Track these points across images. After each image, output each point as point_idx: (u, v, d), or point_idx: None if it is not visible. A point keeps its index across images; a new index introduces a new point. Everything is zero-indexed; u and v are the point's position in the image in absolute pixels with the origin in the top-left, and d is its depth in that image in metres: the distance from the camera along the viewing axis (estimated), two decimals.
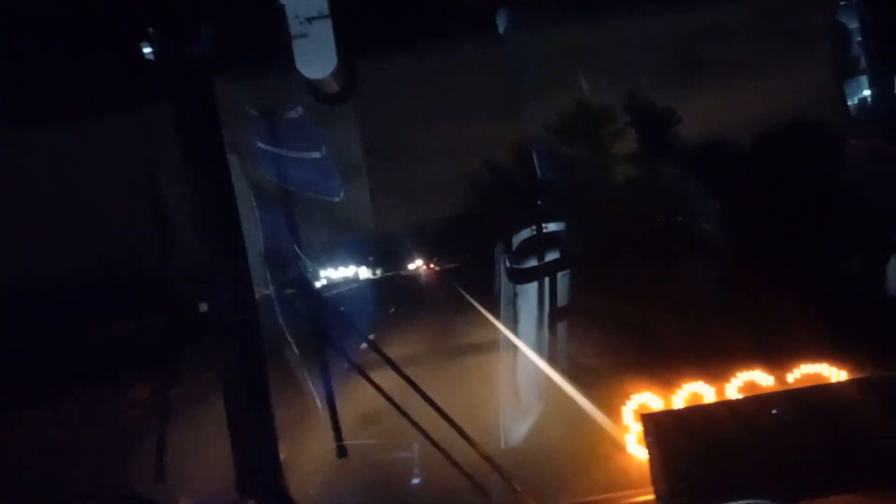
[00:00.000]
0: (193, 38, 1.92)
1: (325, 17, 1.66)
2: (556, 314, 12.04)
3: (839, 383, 2.02)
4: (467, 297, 22.65)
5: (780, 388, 2.07)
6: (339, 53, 1.69)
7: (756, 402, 1.90)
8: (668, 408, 2.04)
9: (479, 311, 17.91)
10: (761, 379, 2.11)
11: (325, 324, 2.24)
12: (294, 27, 1.67)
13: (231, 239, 2.00)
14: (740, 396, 2.07)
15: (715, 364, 2.26)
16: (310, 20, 1.67)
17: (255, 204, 2.26)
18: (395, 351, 2.23)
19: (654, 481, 1.81)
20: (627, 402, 2.09)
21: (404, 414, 2.11)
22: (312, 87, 1.79)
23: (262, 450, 1.98)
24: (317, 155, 2.34)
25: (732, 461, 1.78)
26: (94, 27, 1.87)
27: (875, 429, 1.82)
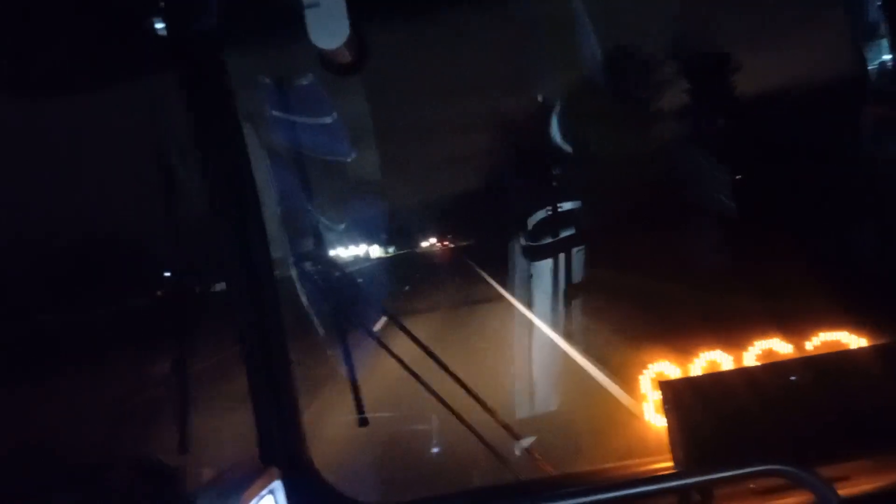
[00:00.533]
0: (204, 10, 1.91)
1: None
2: (572, 289, 12.03)
3: (857, 350, 2.01)
4: (483, 273, 22.67)
5: (799, 355, 2.07)
6: (352, 23, 1.68)
7: (774, 370, 1.90)
8: (685, 375, 2.05)
9: (494, 288, 17.93)
10: (779, 347, 2.11)
11: (345, 297, 2.26)
12: None
13: (248, 211, 2.01)
14: (758, 364, 2.07)
15: (733, 333, 2.26)
16: None
17: (271, 175, 2.27)
18: (412, 330, 2.24)
19: (673, 448, 1.82)
20: (645, 371, 2.09)
21: (425, 385, 2.13)
22: (324, 57, 1.78)
23: (285, 420, 2.01)
24: (328, 119, 2.34)
25: (751, 428, 1.79)
26: (105, 1, 1.87)
27: (894, 396, 1.81)
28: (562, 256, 13.17)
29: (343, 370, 2.26)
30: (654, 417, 2.05)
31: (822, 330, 2.11)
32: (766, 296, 7.11)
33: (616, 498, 1.46)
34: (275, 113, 2.23)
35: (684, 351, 2.12)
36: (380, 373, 2.90)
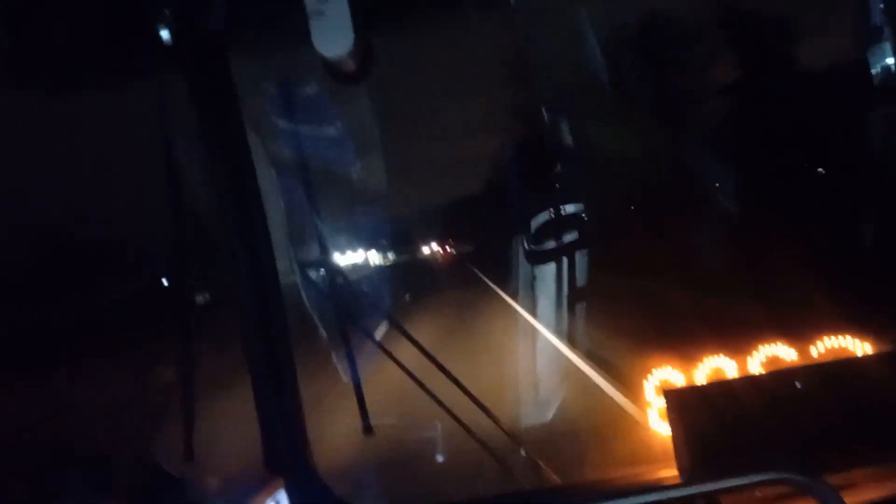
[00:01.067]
0: (210, 13, 1.92)
1: None
2: (575, 294, 12.02)
3: (864, 357, 2.00)
4: (485, 279, 22.63)
5: (804, 362, 2.06)
6: (356, 32, 1.68)
7: (779, 377, 1.89)
8: (689, 382, 2.04)
9: (497, 295, 17.91)
10: (784, 353, 2.10)
11: (349, 303, 2.26)
12: (311, 5, 1.66)
13: (252, 216, 2.01)
14: (763, 371, 2.06)
15: (737, 337, 2.26)
16: None
17: (276, 181, 2.28)
18: (414, 336, 2.25)
19: (678, 457, 1.81)
20: (649, 378, 2.09)
21: (429, 392, 2.13)
22: (329, 65, 1.79)
23: (289, 428, 2.01)
24: (333, 129, 2.34)
25: (756, 436, 1.78)
26: (110, 4, 1.88)
27: None
28: (565, 260, 13.17)
29: (347, 377, 2.26)
30: (658, 425, 2.04)
31: (827, 335, 2.10)
32: (771, 299, 7.09)
33: None
34: (280, 120, 2.24)
35: (688, 356, 2.12)
36: (383, 379, 2.90)
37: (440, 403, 2.14)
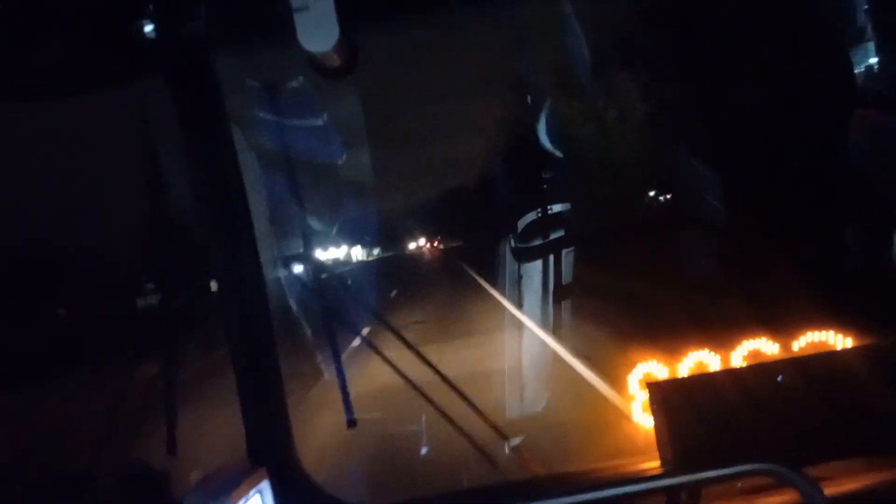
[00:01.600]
0: (193, 14, 1.91)
1: None
2: (561, 290, 12.06)
3: (844, 350, 2.03)
4: (473, 274, 22.66)
5: (786, 356, 2.08)
6: (341, 27, 1.68)
7: (761, 370, 1.91)
8: (673, 375, 2.06)
9: (484, 290, 17.93)
10: (766, 347, 2.13)
11: (333, 298, 2.26)
12: (296, 1, 1.66)
13: (237, 213, 2.01)
14: (745, 365, 2.08)
15: (720, 333, 2.28)
16: None
17: (260, 178, 2.27)
18: (400, 333, 2.25)
19: (660, 448, 1.83)
20: (633, 371, 2.11)
21: (414, 386, 2.13)
22: (314, 60, 1.78)
23: (273, 421, 2.01)
24: (318, 122, 2.34)
25: (738, 428, 1.80)
26: (92, 4, 1.86)
27: (880, 395, 1.83)
28: (551, 258, 13.21)
29: (331, 371, 2.26)
30: (641, 417, 2.06)
31: (808, 330, 2.13)
32: (753, 296, 7.15)
33: (604, 498, 1.47)
34: (264, 116, 2.23)
35: (672, 351, 2.14)
36: (368, 373, 2.91)
37: (425, 397, 2.14)
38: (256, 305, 2.03)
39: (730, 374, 1.96)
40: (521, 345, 10.29)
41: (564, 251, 13.45)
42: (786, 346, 2.13)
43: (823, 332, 2.11)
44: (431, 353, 2.28)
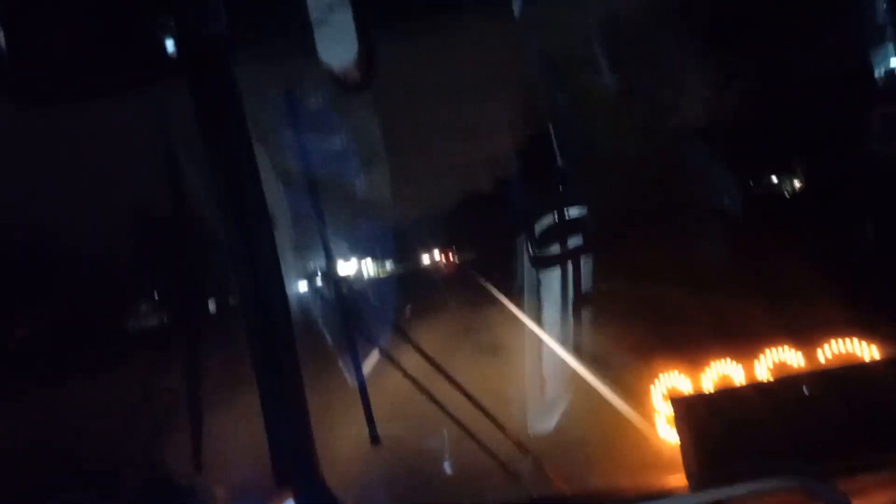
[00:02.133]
0: (214, 19, 1.93)
1: (346, 4, 1.67)
2: (582, 300, 11.98)
3: (871, 362, 2.00)
4: (489, 286, 22.54)
5: (811, 366, 2.05)
6: (360, 40, 1.69)
7: (787, 383, 1.89)
8: (696, 386, 2.04)
9: (502, 301, 17.85)
10: (791, 358, 2.10)
11: (355, 312, 2.26)
12: (315, 14, 1.67)
13: (257, 225, 2.02)
14: (770, 376, 2.06)
15: (744, 343, 2.25)
16: (330, 7, 1.67)
17: (280, 189, 2.28)
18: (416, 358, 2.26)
19: (686, 464, 1.81)
20: (656, 384, 2.09)
21: (435, 401, 2.13)
22: (333, 74, 1.80)
23: (297, 438, 2.01)
24: (337, 137, 2.35)
25: (765, 442, 1.78)
26: (115, 12, 1.89)
27: None
28: (569, 265, 13.14)
29: (353, 386, 2.26)
30: (665, 431, 2.04)
31: (833, 337, 2.09)
32: (779, 304, 7.06)
33: None
34: (284, 130, 2.24)
35: (696, 362, 2.11)
36: (390, 388, 2.90)
37: (447, 412, 2.14)
38: (279, 320, 2.03)
39: (755, 387, 1.94)
40: (540, 357, 10.22)
41: (583, 257, 13.38)
42: (811, 357, 2.10)
43: (849, 342, 2.08)
44: (449, 366, 2.28)
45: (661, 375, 2.09)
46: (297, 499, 1.77)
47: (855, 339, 2.07)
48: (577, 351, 9.90)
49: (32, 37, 1.83)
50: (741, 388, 1.97)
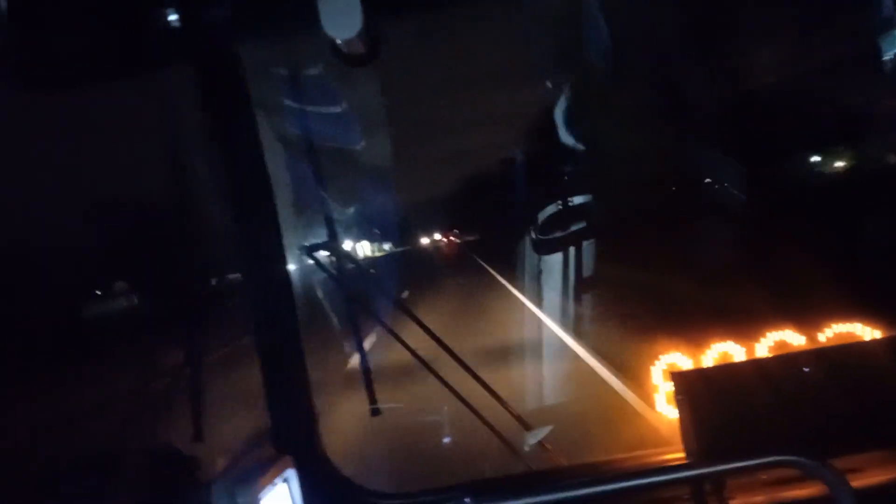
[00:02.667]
0: (217, 1, 1.92)
1: None
2: (583, 283, 12.00)
3: (871, 342, 2.00)
4: (490, 269, 22.59)
5: (812, 347, 2.06)
6: (365, 14, 1.68)
7: (787, 361, 1.89)
8: (696, 364, 2.05)
9: (503, 284, 17.89)
10: (792, 338, 2.10)
11: (357, 286, 2.27)
12: None
13: (262, 201, 2.02)
14: (771, 355, 2.06)
15: (745, 325, 2.26)
16: None
17: (285, 167, 2.28)
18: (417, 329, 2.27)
19: (685, 439, 1.82)
20: (656, 362, 2.09)
21: (437, 375, 2.14)
22: (337, 47, 1.79)
23: (297, 409, 2.03)
24: (341, 113, 2.35)
25: (763, 419, 1.79)
26: None
27: None
28: (572, 250, 13.14)
29: (355, 359, 2.27)
30: (665, 408, 2.05)
31: (834, 321, 2.10)
32: (779, 287, 7.07)
33: (629, 488, 1.47)
34: (286, 102, 2.24)
35: (696, 343, 2.12)
36: (392, 363, 2.92)
37: (448, 386, 2.15)
38: (282, 294, 2.04)
39: (755, 364, 1.94)
40: (541, 337, 10.26)
41: (585, 243, 13.38)
42: (812, 337, 2.10)
43: (850, 324, 2.09)
44: (451, 343, 2.29)
45: (661, 356, 2.10)
46: (298, 468, 1.79)
47: (857, 323, 2.07)
48: (577, 331, 9.94)
49: (34, 24, 1.82)
50: (741, 364, 1.97)
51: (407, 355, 2.24)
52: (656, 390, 2.08)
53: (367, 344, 2.34)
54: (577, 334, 9.81)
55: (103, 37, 1.94)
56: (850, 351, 1.92)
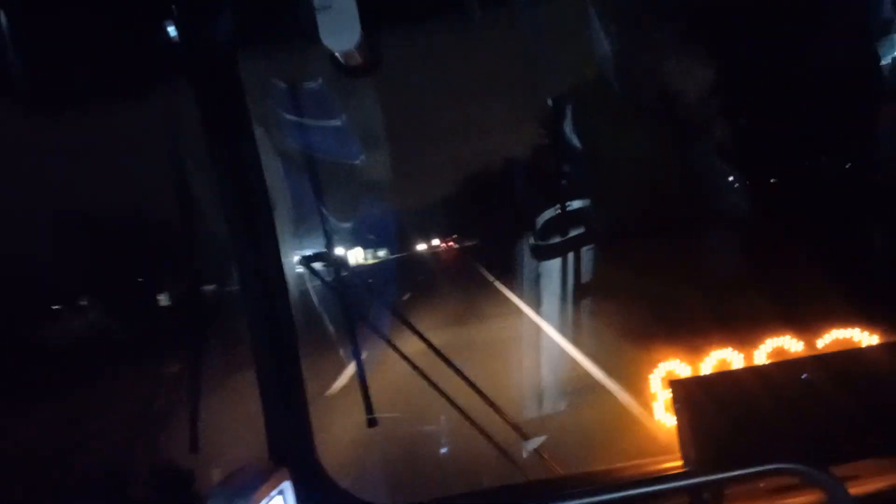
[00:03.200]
0: (217, 15, 1.93)
1: None
2: (581, 289, 12.00)
3: (869, 348, 2.00)
4: (488, 275, 22.58)
5: (810, 353, 2.06)
6: (363, 26, 1.69)
7: (785, 368, 1.89)
8: (695, 372, 2.04)
9: (500, 291, 17.87)
10: (790, 345, 2.10)
11: (354, 296, 2.27)
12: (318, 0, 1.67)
13: (259, 212, 2.02)
14: (769, 362, 2.06)
15: (743, 332, 2.25)
16: None
17: (283, 176, 2.28)
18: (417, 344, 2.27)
19: (683, 447, 1.81)
20: (655, 370, 2.09)
21: (434, 385, 2.13)
22: (336, 59, 1.80)
23: (294, 420, 2.02)
24: (337, 122, 2.36)
25: (762, 426, 1.78)
26: (116, 7, 1.88)
27: None
28: (570, 256, 13.15)
29: (351, 370, 2.27)
30: (663, 416, 2.04)
31: (833, 328, 2.10)
32: (777, 294, 7.07)
33: (626, 497, 1.46)
34: (285, 115, 2.24)
35: (695, 350, 2.12)
36: (389, 372, 2.91)
37: (445, 396, 2.14)
38: (278, 304, 2.04)
39: (754, 371, 1.94)
40: (539, 344, 10.24)
41: (584, 249, 13.39)
42: (810, 344, 2.10)
43: (848, 330, 2.08)
44: (448, 352, 2.28)
45: (660, 364, 2.10)
46: (293, 478, 1.78)
47: (855, 329, 2.07)
48: (576, 338, 9.93)
49: (35, 40, 1.83)
50: (739, 372, 1.97)
51: (405, 364, 2.24)
52: (655, 398, 2.07)
53: (364, 354, 2.34)
54: (576, 341, 9.80)
55: (104, 50, 1.94)
56: (849, 357, 1.92)
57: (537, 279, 14.53)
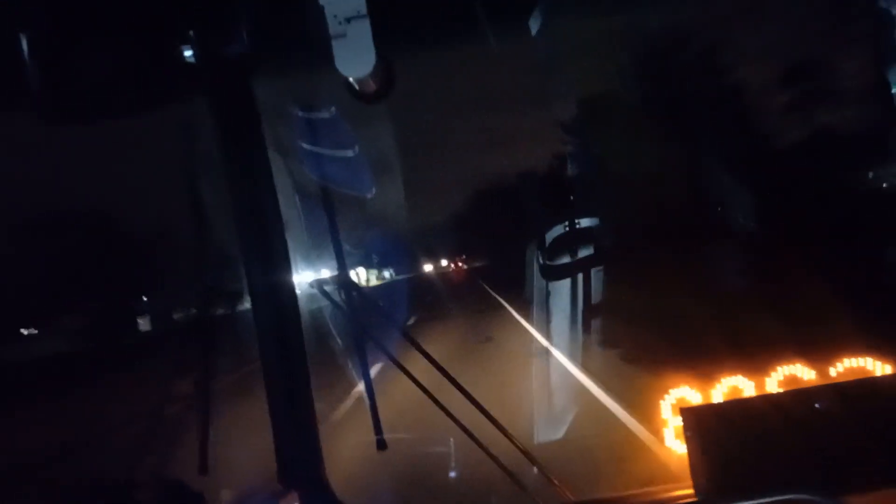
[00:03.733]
0: (233, 38, 1.95)
1: (364, 16, 1.68)
2: (591, 311, 11.95)
3: (884, 377, 1.98)
4: (497, 296, 22.54)
5: (823, 382, 2.04)
6: (378, 52, 1.71)
7: (798, 396, 1.87)
8: (706, 401, 2.03)
9: (512, 316, 17.83)
10: (803, 373, 2.09)
11: (364, 317, 2.27)
12: (333, 27, 1.69)
13: (272, 235, 2.04)
14: (782, 390, 2.04)
15: (755, 358, 2.24)
16: (348, 20, 1.69)
17: (296, 200, 2.30)
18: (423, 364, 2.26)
19: (694, 476, 1.79)
20: (665, 397, 2.08)
21: (443, 408, 2.13)
22: (350, 86, 1.82)
23: (303, 441, 2.02)
24: (350, 153, 2.38)
25: (774, 455, 1.76)
26: (134, 29, 1.91)
27: None
28: (580, 276, 13.12)
29: (360, 390, 2.26)
30: (673, 443, 2.03)
31: (845, 356, 2.08)
32: (789, 320, 7.02)
33: None
34: (299, 143, 2.26)
35: (705, 375, 2.10)
36: (398, 394, 2.91)
37: (454, 419, 2.13)
38: (289, 325, 2.04)
39: (766, 399, 1.92)
40: (548, 367, 10.19)
41: (594, 269, 13.36)
42: (823, 372, 2.08)
43: (862, 358, 2.07)
44: (457, 374, 2.28)
45: (670, 390, 2.09)
46: (301, 501, 1.77)
47: (869, 357, 2.05)
48: (585, 361, 9.88)
49: (55, 60, 1.85)
50: (751, 400, 1.95)
51: (413, 387, 2.23)
52: (665, 425, 2.06)
53: (373, 373, 2.34)
54: (585, 366, 9.74)
55: (119, 72, 1.96)
56: (863, 386, 1.90)
57: (547, 299, 14.49)
